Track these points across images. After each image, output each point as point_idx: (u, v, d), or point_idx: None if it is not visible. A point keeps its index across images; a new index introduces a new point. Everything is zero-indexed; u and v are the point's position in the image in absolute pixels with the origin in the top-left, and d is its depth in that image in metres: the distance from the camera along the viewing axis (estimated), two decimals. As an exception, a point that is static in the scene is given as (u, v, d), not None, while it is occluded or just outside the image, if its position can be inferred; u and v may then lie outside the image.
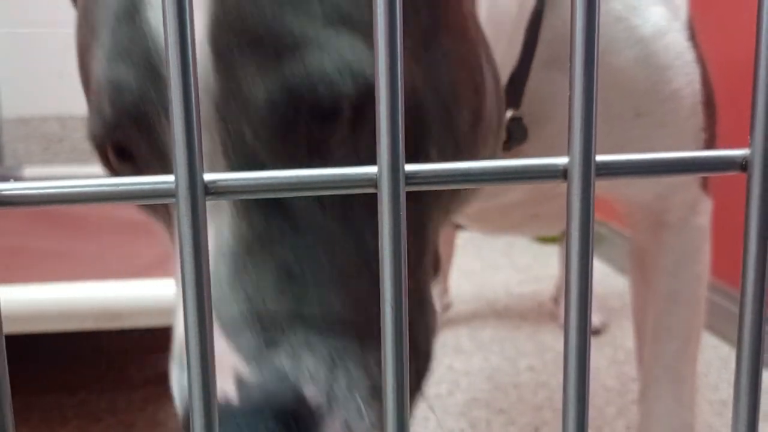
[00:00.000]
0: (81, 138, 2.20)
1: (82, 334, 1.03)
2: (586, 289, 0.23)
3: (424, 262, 0.45)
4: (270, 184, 0.21)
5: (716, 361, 1.30)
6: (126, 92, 0.40)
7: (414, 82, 0.41)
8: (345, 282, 0.40)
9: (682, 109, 0.64)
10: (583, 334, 0.23)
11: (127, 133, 0.40)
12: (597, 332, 1.46)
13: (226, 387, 0.36)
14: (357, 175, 0.21)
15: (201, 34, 0.38)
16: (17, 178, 1.79)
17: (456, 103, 0.44)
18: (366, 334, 0.40)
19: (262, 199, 0.39)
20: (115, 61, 0.40)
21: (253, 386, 0.36)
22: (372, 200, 0.38)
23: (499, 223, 0.86)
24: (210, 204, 0.38)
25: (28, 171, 1.86)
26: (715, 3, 1.34)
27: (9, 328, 0.92)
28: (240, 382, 0.36)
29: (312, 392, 0.37)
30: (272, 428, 0.35)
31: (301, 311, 0.38)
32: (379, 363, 0.39)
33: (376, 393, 0.39)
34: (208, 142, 0.39)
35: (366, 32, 0.39)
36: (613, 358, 1.35)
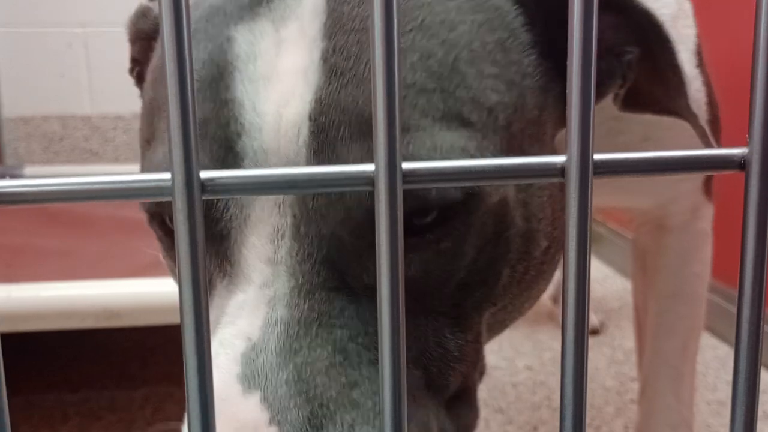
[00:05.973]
0: (81, 137, 2.20)
1: (83, 333, 1.03)
2: (584, 287, 0.23)
3: (474, 355, 0.42)
4: (267, 182, 0.21)
5: (714, 362, 1.29)
6: None
7: (509, 201, 0.39)
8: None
9: (687, 130, 0.64)
10: (581, 327, 0.23)
11: None
12: (596, 332, 1.46)
13: None
14: (354, 173, 0.21)
15: (304, 111, 0.36)
16: (18, 177, 1.79)
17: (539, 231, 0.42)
18: (426, 420, 0.37)
19: (323, 277, 0.37)
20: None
21: None
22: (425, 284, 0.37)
23: None
24: (262, 281, 0.37)
25: (29, 170, 1.86)
26: (713, 1, 1.34)
27: (11, 327, 0.92)
28: None
29: None
30: None
31: (352, 395, 0.35)
32: None
33: None
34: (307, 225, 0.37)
35: (482, 134, 0.38)
36: (612, 358, 1.35)
